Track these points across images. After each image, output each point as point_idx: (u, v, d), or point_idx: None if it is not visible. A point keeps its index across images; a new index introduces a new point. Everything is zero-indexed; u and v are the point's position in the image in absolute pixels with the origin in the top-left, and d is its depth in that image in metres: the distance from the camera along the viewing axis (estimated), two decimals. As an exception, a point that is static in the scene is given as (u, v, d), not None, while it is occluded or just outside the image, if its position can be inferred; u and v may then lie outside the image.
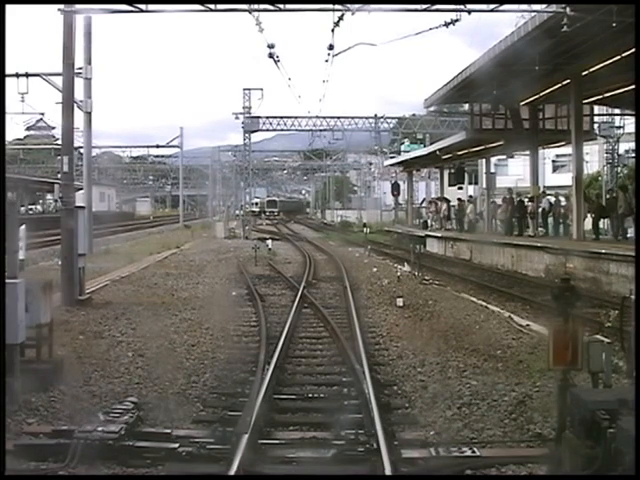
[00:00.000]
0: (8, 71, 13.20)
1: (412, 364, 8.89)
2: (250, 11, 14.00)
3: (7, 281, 6.70)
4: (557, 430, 4.98)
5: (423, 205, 46.40)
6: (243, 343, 10.53)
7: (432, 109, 38.29)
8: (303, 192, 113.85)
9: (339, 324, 11.46)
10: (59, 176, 19.09)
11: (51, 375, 7.56)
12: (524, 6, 16.26)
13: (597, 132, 33.28)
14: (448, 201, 36.38)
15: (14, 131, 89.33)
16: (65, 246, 13.48)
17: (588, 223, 23.68)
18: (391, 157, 53.50)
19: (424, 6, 13.82)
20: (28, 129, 62.33)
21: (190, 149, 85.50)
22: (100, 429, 5.86)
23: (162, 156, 75.83)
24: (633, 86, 19.24)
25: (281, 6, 13.75)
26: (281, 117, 44.85)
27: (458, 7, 14.02)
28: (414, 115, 52.90)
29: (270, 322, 11.77)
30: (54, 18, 13.74)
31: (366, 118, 46.72)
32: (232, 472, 5.11)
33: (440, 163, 39.50)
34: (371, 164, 71.10)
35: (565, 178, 30.74)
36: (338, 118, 45.85)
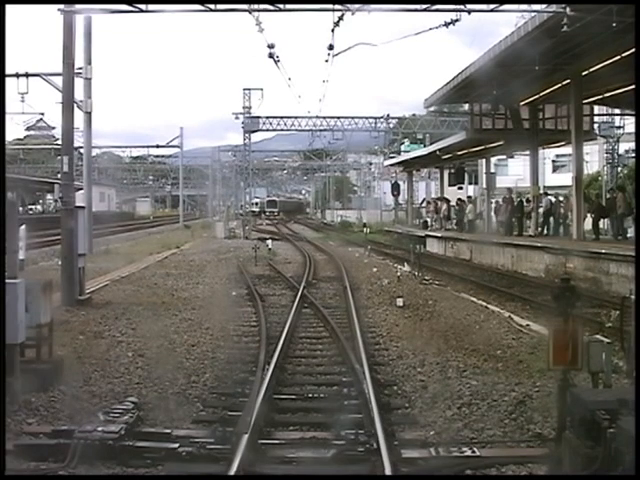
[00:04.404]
0: (8, 71, 13.18)
1: (412, 364, 8.89)
2: (250, 11, 13.98)
3: (7, 281, 6.70)
4: (557, 430, 4.98)
5: (423, 205, 46.41)
6: (243, 343, 10.53)
7: (432, 109, 38.29)
8: (303, 192, 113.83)
9: (339, 324, 11.46)
10: (59, 176, 19.08)
11: (51, 375, 7.56)
12: (524, 6, 16.25)
13: (597, 132, 33.28)
14: (448, 201, 36.40)
15: (14, 131, 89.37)
16: (65, 246, 13.48)
17: (588, 223, 23.69)
18: (391, 157, 53.51)
19: (424, 6, 13.80)
20: (28, 129, 62.43)
21: (190, 149, 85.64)
22: (100, 429, 5.86)
23: (162, 156, 75.90)
24: (633, 86, 19.25)
25: (281, 6, 13.73)
26: (281, 117, 44.86)
27: (458, 7, 14.01)
28: (414, 115, 52.96)
29: (270, 322, 11.76)
30: (54, 18, 13.75)
31: (366, 118, 46.74)
32: (232, 472, 5.11)
33: (440, 163, 39.52)
34: (371, 164, 71.13)
35: (565, 178, 30.74)
36: (338, 118, 45.86)
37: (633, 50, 14.29)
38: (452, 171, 37.92)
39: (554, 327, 5.00)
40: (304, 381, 8.34)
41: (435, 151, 35.02)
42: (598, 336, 5.68)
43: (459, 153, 34.36)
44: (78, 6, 13.78)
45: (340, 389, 7.79)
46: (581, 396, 4.50)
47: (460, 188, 38.65)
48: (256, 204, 74.77)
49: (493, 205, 31.00)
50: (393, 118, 48.74)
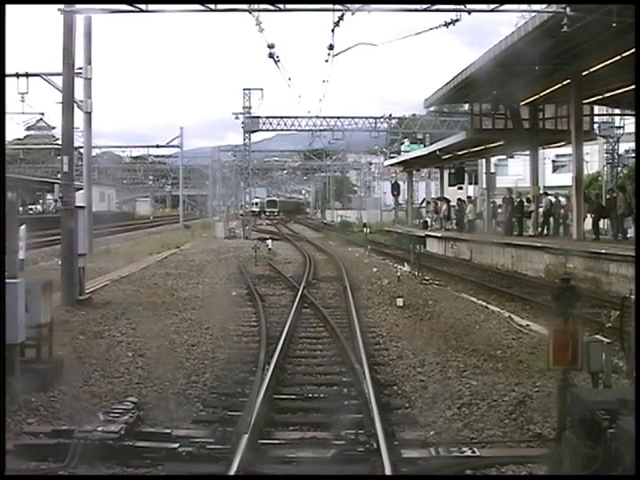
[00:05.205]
0: (8, 71, 13.18)
1: (412, 364, 8.89)
2: (250, 11, 13.98)
3: (7, 281, 6.70)
4: (557, 430, 4.98)
5: (423, 205, 46.42)
6: (243, 343, 10.53)
7: (432, 109, 38.31)
8: (303, 192, 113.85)
9: (339, 324, 11.46)
10: (59, 176, 19.08)
11: (51, 375, 7.56)
12: (524, 6, 16.25)
13: (597, 132, 33.28)
14: (448, 201, 36.41)
15: (14, 131, 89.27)
16: (65, 246, 13.48)
17: (588, 223, 23.69)
18: (391, 157, 53.51)
19: (424, 6, 13.79)
20: (28, 129, 62.31)
21: (190, 149, 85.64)
22: (100, 429, 5.86)
23: (162, 156, 75.90)
24: (633, 86, 19.24)
25: (281, 6, 13.73)
26: (281, 117, 44.86)
27: (458, 7, 14.00)
28: (414, 115, 52.96)
29: (270, 322, 11.76)
30: (54, 18, 13.76)
31: (366, 118, 46.73)
32: (232, 472, 5.11)
33: (440, 163, 39.51)
34: (371, 164, 71.14)
35: (565, 178, 30.75)
36: (338, 118, 45.84)
37: (633, 50, 14.30)
38: (452, 171, 37.91)
39: (554, 327, 5.00)
40: (304, 381, 8.34)
41: (435, 151, 35.01)
42: (598, 336, 5.68)
43: (459, 153, 34.35)
44: (78, 6, 13.78)
45: (340, 389, 7.80)
46: (581, 396, 4.50)
47: (460, 188, 38.65)
48: (256, 204, 74.79)
49: (499, 211, 30.93)
50: (393, 118, 48.74)
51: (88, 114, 15.97)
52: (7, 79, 10.05)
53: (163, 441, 5.91)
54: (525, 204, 27.50)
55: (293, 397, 7.61)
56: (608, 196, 26.51)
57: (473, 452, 5.73)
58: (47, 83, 15.90)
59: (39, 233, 25.81)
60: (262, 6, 13.93)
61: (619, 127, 36.77)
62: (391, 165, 52.27)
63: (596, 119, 31.31)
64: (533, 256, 21.88)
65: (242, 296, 15.47)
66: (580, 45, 18.82)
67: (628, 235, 22.40)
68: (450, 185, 38.65)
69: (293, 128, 46.14)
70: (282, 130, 46.29)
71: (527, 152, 30.16)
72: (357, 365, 8.26)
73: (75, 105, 14.42)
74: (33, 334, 7.61)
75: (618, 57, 18.11)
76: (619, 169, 37.84)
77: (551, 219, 26.59)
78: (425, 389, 7.76)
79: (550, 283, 16.36)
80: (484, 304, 14.12)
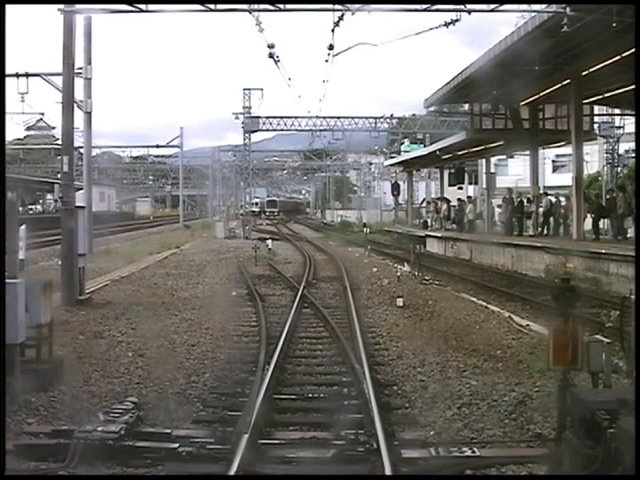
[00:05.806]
0: (8, 71, 13.16)
1: (412, 364, 8.89)
2: (250, 11, 13.98)
3: (7, 281, 6.70)
4: (557, 430, 4.98)
5: (423, 205, 46.42)
6: (243, 343, 10.53)
7: (432, 109, 38.30)
8: (303, 192, 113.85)
9: (339, 324, 11.46)
10: (59, 176, 19.07)
11: (51, 375, 7.56)
12: (524, 6, 16.25)
13: (597, 132, 33.28)
14: (448, 201, 36.41)
15: (14, 131, 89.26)
16: (65, 246, 13.48)
17: (588, 223, 23.69)
18: (391, 157, 53.47)
19: (424, 6, 13.80)
20: (28, 129, 62.31)
21: (190, 149, 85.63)
22: (100, 429, 5.86)
23: (162, 156, 75.89)
24: (633, 86, 19.24)
25: (281, 6, 13.73)
26: (281, 117, 44.79)
27: (458, 7, 14.00)
28: (414, 115, 52.91)
29: (270, 322, 11.76)
30: (54, 18, 13.76)
31: (366, 118, 46.67)
32: (232, 472, 5.11)
33: (440, 163, 39.52)
34: (371, 164, 71.13)
35: (565, 178, 30.76)
36: (338, 118, 45.76)
37: (633, 50, 14.29)
38: (452, 171, 37.93)
39: (554, 327, 5.00)
40: (304, 381, 8.34)
41: (435, 151, 35.03)
42: (598, 336, 5.68)
43: (459, 153, 34.36)
44: (78, 6, 13.78)
45: (340, 389, 7.80)
46: (581, 396, 4.50)
47: (460, 188, 38.66)
48: (256, 204, 74.79)
49: (498, 211, 30.92)
50: (394, 118, 48.71)
51: (88, 114, 15.95)
52: (7, 79, 10.05)
53: (163, 441, 5.91)
54: (525, 204, 27.51)
55: (293, 397, 7.61)
56: (608, 196, 26.50)
57: (473, 452, 5.73)
58: (47, 83, 15.88)
59: (39, 233, 25.81)
60: (262, 6, 13.93)
61: (619, 127, 36.79)
62: (391, 165, 52.28)
63: (596, 119, 31.32)
64: (533, 256, 21.89)
65: (242, 296, 15.47)
66: (580, 45, 18.82)
67: (628, 235, 22.39)
68: (450, 185, 38.66)
69: (293, 128, 46.08)
70: (282, 130, 46.21)
71: (527, 152, 30.17)
72: (357, 365, 8.26)
73: (75, 105, 14.42)
74: (33, 334, 7.61)
75: (618, 57, 18.10)
76: (619, 169, 37.86)
77: (551, 219, 26.58)
78: (425, 389, 7.76)
79: (550, 283, 16.36)
80: (484, 304, 14.12)
